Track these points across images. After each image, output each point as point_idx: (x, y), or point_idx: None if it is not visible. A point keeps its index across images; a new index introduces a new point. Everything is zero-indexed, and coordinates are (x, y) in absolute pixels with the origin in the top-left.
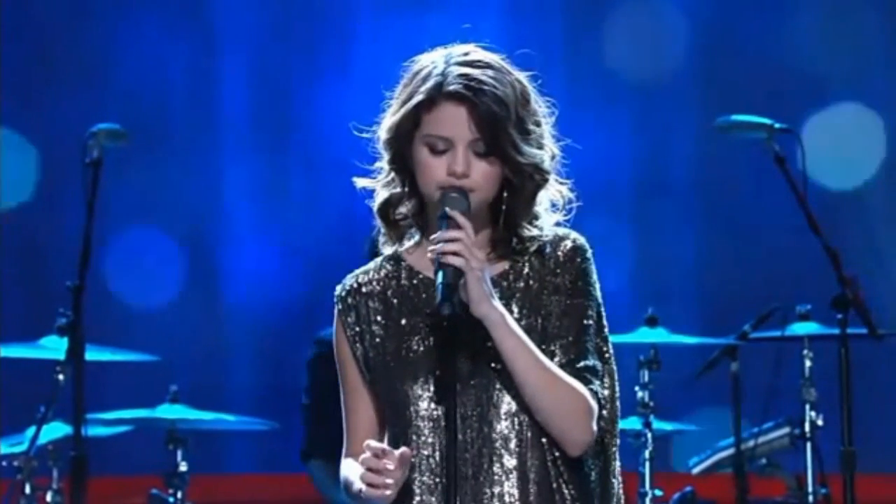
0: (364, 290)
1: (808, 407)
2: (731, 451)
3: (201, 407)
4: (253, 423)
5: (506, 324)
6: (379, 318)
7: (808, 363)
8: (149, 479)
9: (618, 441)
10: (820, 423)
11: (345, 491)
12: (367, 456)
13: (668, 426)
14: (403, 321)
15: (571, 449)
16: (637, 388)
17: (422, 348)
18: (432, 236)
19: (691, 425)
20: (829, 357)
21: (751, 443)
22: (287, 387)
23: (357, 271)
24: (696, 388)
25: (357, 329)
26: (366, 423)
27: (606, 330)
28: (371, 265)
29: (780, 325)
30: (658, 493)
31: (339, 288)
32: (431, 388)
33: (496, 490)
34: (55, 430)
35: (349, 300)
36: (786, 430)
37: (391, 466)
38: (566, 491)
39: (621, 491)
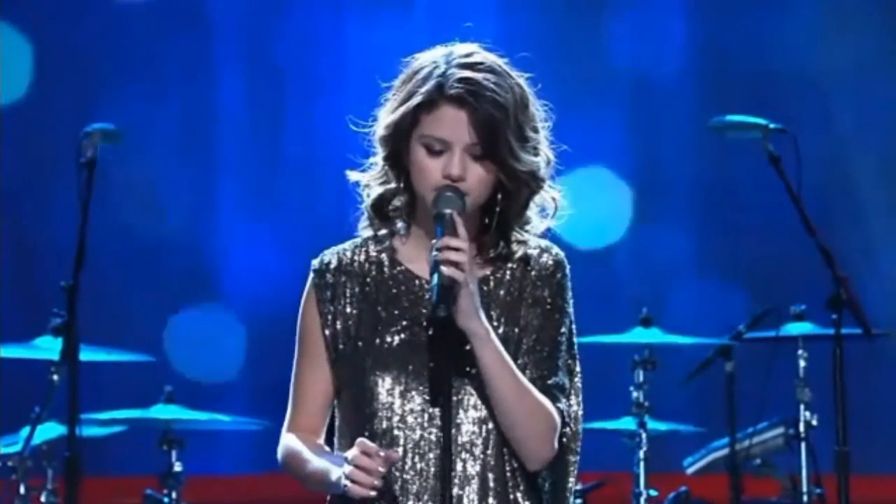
0: (345, 269)
1: (802, 407)
2: (725, 451)
3: (196, 407)
4: (248, 423)
5: (489, 338)
6: (355, 301)
7: (802, 363)
8: (143, 480)
9: (577, 458)
10: (814, 423)
11: (286, 465)
12: (358, 453)
13: (662, 426)
14: (380, 309)
15: (531, 463)
16: (632, 389)
17: (396, 341)
18: (435, 241)
19: (686, 425)
20: (823, 357)
21: (745, 443)
22: (282, 387)
23: (336, 248)
24: (691, 389)
25: (331, 308)
26: (318, 399)
27: (576, 347)
28: (350, 244)
29: (774, 326)
30: (653, 493)
31: (317, 262)
32: (403, 383)
33: (456, 492)
34: (50, 431)
35: (328, 277)
36: (780, 430)
37: (382, 469)
38: (522, 502)
39: None
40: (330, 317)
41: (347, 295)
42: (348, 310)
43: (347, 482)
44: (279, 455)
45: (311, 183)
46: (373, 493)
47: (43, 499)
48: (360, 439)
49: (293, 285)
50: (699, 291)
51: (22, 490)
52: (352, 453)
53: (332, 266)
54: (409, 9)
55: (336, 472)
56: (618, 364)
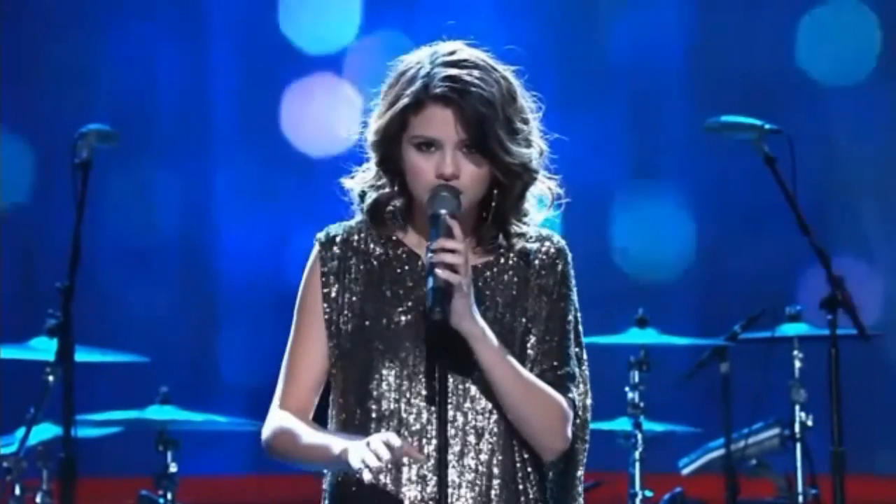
0: (352, 245)
1: (797, 408)
2: (721, 451)
3: (191, 408)
4: (243, 424)
5: (485, 338)
6: (361, 279)
7: (797, 364)
8: (138, 481)
9: (587, 447)
10: (810, 423)
11: (274, 441)
12: (381, 445)
13: (658, 427)
14: (385, 289)
15: (546, 454)
16: (627, 389)
17: (403, 322)
18: (430, 243)
19: (682, 426)
20: (818, 358)
21: (741, 443)
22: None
23: (342, 224)
24: (687, 389)
25: (336, 281)
26: (312, 375)
27: (582, 335)
28: (354, 223)
29: (769, 326)
30: (648, 493)
31: (322, 234)
32: (411, 366)
33: (464, 483)
34: (45, 432)
35: (335, 249)
36: (776, 430)
37: (387, 457)
38: (531, 492)
39: (583, 496)
40: (335, 289)
41: (353, 271)
42: (354, 286)
43: (359, 464)
44: (266, 433)
45: (309, 183)
46: (377, 476)
47: (38, 500)
48: (388, 434)
49: (292, 287)
50: (695, 292)
51: (17, 491)
52: (373, 442)
53: (339, 239)
54: (409, 8)
55: (339, 447)
56: (613, 365)
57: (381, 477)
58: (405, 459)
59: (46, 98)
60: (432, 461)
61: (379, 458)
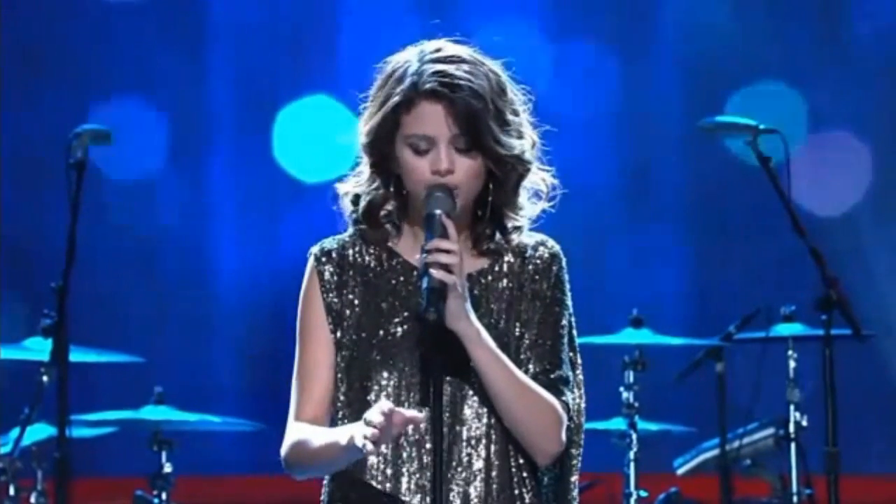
0: (347, 259)
1: (792, 408)
2: (715, 451)
3: (186, 408)
4: (238, 424)
5: (480, 338)
6: (359, 292)
7: (792, 364)
8: (133, 481)
9: (581, 451)
10: (804, 423)
11: (293, 452)
12: (381, 418)
13: (653, 427)
14: (381, 301)
15: (541, 458)
16: (622, 389)
17: (399, 332)
18: (425, 244)
19: (676, 426)
20: (813, 358)
21: (735, 443)
22: (273, 388)
23: (335, 238)
24: (681, 389)
25: (336, 296)
26: (325, 386)
27: (576, 339)
28: (347, 235)
29: (764, 326)
30: (643, 493)
31: (317, 249)
32: (408, 375)
33: (460, 490)
34: (39, 432)
35: (331, 264)
36: (770, 430)
37: (380, 420)
38: (527, 497)
39: (578, 500)
40: (335, 302)
41: (351, 285)
42: (352, 299)
43: (367, 444)
44: (283, 450)
45: (303, 185)
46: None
47: (33, 500)
48: (382, 404)
49: (286, 287)
50: (689, 292)
51: (12, 491)
52: (372, 417)
53: (335, 254)
54: (405, 12)
55: (345, 437)
56: (608, 365)
57: (381, 487)
58: (404, 470)
59: (41, 97)
60: (430, 469)
61: (372, 424)
